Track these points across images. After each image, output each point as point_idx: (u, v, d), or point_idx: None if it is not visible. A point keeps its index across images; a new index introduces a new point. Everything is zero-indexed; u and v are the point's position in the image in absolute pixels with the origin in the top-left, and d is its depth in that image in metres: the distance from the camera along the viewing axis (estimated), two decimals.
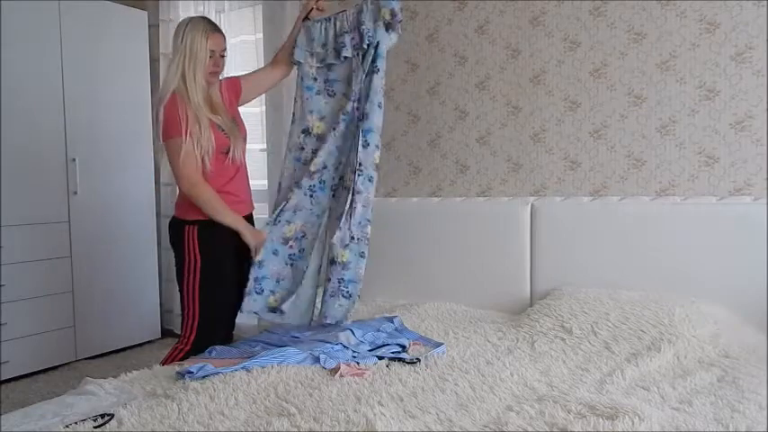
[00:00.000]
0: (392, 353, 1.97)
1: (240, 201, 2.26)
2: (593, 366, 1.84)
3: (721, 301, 2.16)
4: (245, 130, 2.32)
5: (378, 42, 2.25)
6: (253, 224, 2.35)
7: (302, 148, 2.41)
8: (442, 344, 2.03)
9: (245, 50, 3.61)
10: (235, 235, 2.21)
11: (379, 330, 2.17)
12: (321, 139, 2.38)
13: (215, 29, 2.17)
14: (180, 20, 3.32)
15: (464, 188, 2.89)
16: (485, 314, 2.51)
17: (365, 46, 2.26)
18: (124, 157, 3.54)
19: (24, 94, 3.07)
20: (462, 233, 2.74)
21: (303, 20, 2.40)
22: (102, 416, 1.46)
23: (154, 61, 3.75)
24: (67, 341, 3.25)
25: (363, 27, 2.26)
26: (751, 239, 2.17)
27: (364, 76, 2.26)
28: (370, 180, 2.24)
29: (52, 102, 3.20)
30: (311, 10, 2.39)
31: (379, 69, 2.25)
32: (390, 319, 2.31)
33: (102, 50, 3.43)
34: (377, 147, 2.25)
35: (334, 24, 2.34)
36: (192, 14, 3.69)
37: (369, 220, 2.26)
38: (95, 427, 1.40)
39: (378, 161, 2.27)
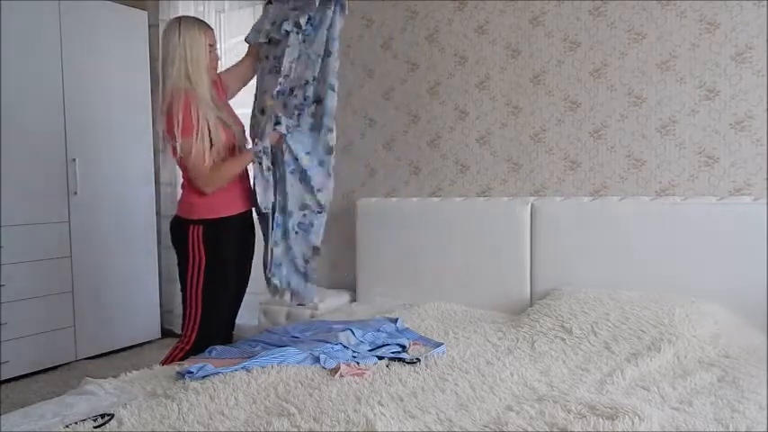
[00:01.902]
0: (392, 353, 1.97)
1: (241, 196, 2.26)
2: (593, 366, 1.84)
3: (721, 301, 2.16)
4: (242, 125, 2.33)
5: (330, 24, 2.25)
6: (252, 224, 2.35)
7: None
8: (442, 344, 2.03)
9: (245, 50, 3.60)
10: (240, 234, 2.22)
11: (379, 330, 2.17)
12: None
13: (206, 24, 2.19)
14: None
15: (464, 188, 2.89)
16: (485, 314, 2.52)
17: (302, 22, 2.24)
18: (124, 157, 3.54)
19: (24, 94, 3.07)
20: (462, 233, 2.74)
21: (266, 4, 2.40)
22: (102, 416, 1.46)
23: (154, 61, 3.74)
24: (67, 341, 3.25)
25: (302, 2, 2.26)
26: (751, 239, 2.17)
27: (316, 58, 2.26)
28: (320, 164, 2.27)
29: (52, 102, 3.20)
30: None
31: (332, 52, 2.26)
32: (392, 320, 2.31)
33: (102, 50, 3.43)
34: (330, 130, 2.27)
35: (289, 2, 2.33)
36: (192, 14, 3.71)
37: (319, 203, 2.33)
38: (95, 427, 1.41)
39: (332, 143, 2.28)
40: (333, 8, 2.24)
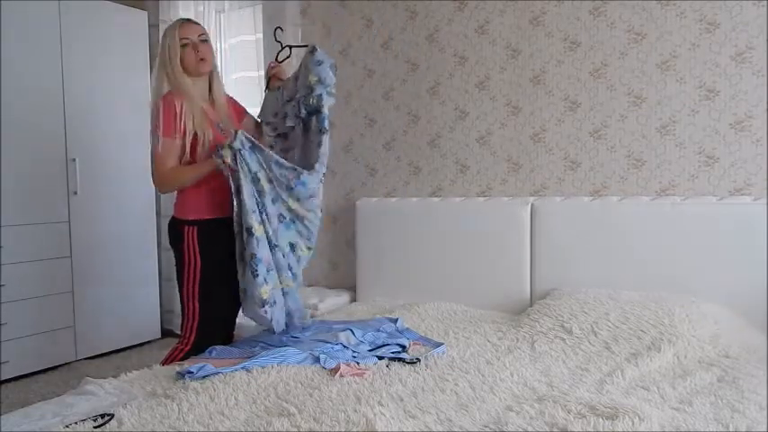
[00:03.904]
0: (392, 353, 1.97)
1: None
2: (594, 366, 1.84)
3: (721, 301, 2.16)
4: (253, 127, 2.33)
5: (320, 107, 2.15)
6: None
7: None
8: (442, 344, 2.03)
9: (245, 50, 3.60)
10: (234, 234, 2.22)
11: (379, 330, 2.17)
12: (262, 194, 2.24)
13: (186, 20, 2.19)
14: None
15: (464, 188, 2.89)
16: (485, 314, 2.51)
17: (302, 115, 2.18)
18: (124, 157, 3.54)
19: (24, 94, 3.07)
20: (462, 233, 2.74)
21: (265, 89, 2.36)
22: (102, 416, 1.46)
23: (154, 61, 3.75)
24: (67, 341, 3.25)
25: (298, 95, 2.19)
26: (751, 239, 2.17)
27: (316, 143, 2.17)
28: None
29: (52, 102, 3.19)
30: (270, 79, 2.34)
31: (327, 130, 2.16)
32: (392, 320, 2.31)
33: (102, 50, 3.43)
34: (282, 202, 2.13)
35: (282, 93, 2.27)
36: (192, 14, 3.72)
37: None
38: (95, 427, 1.41)
39: (286, 214, 2.13)
40: (321, 92, 2.15)
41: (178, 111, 2.05)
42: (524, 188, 2.74)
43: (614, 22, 2.49)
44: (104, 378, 1.77)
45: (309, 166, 2.14)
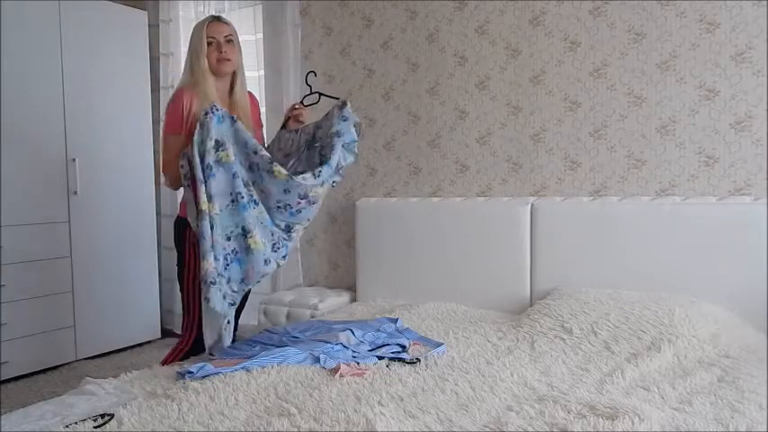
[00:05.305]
0: (392, 353, 1.97)
1: None
2: (593, 366, 1.84)
3: (721, 301, 2.16)
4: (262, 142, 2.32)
5: (332, 158, 2.08)
6: None
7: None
8: (442, 344, 2.03)
9: (245, 50, 3.58)
10: None
11: (379, 330, 2.16)
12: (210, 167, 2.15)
13: (215, 18, 2.19)
14: (181, 20, 3.39)
15: (464, 188, 2.89)
16: (485, 314, 2.51)
17: (316, 167, 2.10)
18: (124, 157, 3.54)
19: (24, 95, 3.07)
20: (462, 233, 2.74)
21: (280, 129, 2.33)
22: (102, 416, 1.46)
23: (154, 61, 3.75)
24: (67, 341, 3.25)
25: (317, 144, 2.15)
26: (751, 239, 2.17)
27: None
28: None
29: (52, 102, 3.19)
30: (288, 119, 2.31)
31: (336, 183, 2.11)
32: (392, 320, 2.31)
33: (102, 50, 3.43)
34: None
35: (300, 136, 2.24)
36: (192, 14, 3.71)
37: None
38: (95, 427, 1.41)
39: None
40: (338, 145, 2.09)
41: (186, 106, 2.07)
42: (524, 188, 2.74)
43: (614, 22, 2.49)
44: (104, 378, 1.77)
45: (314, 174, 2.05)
